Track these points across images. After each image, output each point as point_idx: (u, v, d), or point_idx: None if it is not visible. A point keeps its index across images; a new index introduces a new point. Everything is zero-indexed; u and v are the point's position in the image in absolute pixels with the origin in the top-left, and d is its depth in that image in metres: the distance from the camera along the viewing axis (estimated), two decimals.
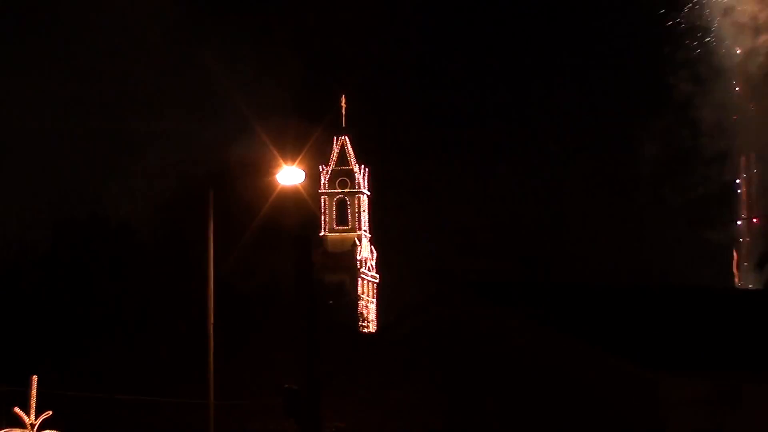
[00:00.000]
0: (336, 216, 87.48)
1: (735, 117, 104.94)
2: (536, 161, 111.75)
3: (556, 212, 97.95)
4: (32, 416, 32.61)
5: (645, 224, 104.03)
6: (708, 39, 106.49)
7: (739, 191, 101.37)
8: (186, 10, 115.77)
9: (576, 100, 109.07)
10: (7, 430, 33.80)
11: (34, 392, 32.56)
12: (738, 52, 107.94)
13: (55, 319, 56.07)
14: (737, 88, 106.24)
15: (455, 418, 48.70)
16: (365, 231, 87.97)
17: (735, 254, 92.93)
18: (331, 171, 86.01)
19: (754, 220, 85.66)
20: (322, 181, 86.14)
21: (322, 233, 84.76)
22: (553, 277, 62.45)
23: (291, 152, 47.25)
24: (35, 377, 32.79)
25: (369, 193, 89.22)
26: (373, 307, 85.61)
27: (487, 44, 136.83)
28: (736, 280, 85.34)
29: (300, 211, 52.46)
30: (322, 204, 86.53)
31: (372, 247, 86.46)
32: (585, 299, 56.75)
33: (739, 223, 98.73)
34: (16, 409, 33.72)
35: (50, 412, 33.06)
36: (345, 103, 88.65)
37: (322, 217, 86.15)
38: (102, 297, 61.76)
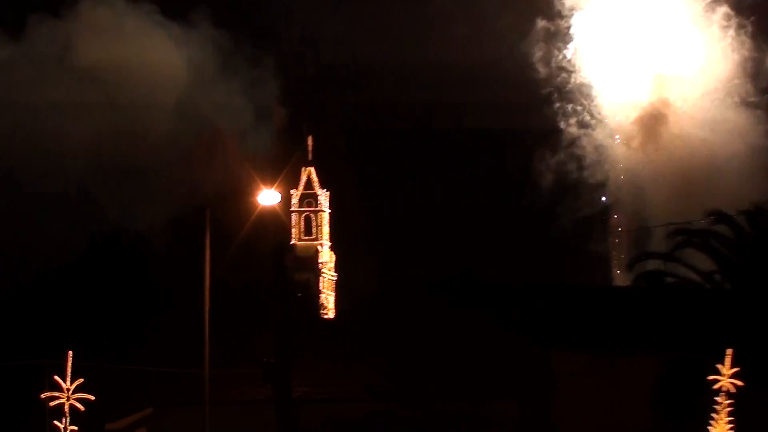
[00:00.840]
0: (303, 228, 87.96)
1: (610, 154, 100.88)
2: (467, 186, 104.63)
3: (483, 225, 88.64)
4: (68, 382, 29.69)
5: (547, 237, 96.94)
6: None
7: (615, 214, 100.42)
8: None
9: (492, 138, 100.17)
10: (48, 393, 30.35)
11: (69, 364, 29.92)
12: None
13: (91, 307, 54.75)
14: (617, 137, 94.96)
15: (401, 383, 46.47)
16: (326, 240, 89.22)
17: (611, 261, 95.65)
18: (300, 194, 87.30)
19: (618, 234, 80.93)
20: (293, 201, 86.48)
21: (292, 241, 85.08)
22: (478, 277, 64.15)
23: (270, 179, 48.32)
24: (71, 352, 30.02)
25: (329, 211, 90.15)
26: (332, 299, 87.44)
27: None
28: (614, 281, 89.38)
29: (276, 225, 48.76)
30: (293, 219, 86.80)
31: (331, 252, 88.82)
32: (501, 294, 57.11)
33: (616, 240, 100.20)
34: (55, 377, 30.30)
35: (82, 380, 29.75)
36: (312, 141, 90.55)
37: (293, 229, 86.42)
38: (129, 291, 59.90)
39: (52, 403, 30.04)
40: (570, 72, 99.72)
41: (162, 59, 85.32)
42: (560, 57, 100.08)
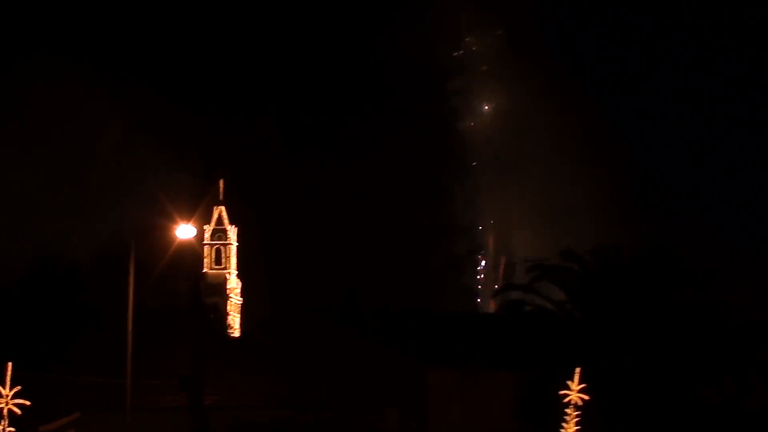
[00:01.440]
0: (214, 259, 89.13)
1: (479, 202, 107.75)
2: (358, 226, 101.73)
3: (371, 260, 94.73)
4: (7, 389, 26.18)
5: (429, 270, 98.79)
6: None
7: (482, 252, 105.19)
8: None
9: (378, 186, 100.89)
10: None
11: (9, 372, 26.03)
12: (474, 164, 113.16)
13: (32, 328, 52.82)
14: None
15: (296, 392, 47.38)
16: (233, 269, 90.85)
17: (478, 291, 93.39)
18: (212, 229, 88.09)
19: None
20: (206, 235, 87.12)
21: (204, 270, 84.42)
22: (365, 304, 61.85)
23: (186, 216, 44.10)
24: (10, 363, 25.95)
25: (237, 244, 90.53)
26: (237, 320, 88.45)
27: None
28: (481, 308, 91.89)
29: (191, 255, 49.28)
30: (205, 251, 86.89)
31: (238, 279, 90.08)
32: (385, 318, 56.46)
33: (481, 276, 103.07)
34: None
35: (19, 387, 26.07)
36: (222, 184, 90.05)
37: (205, 259, 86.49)
38: (65, 312, 57.75)
39: None
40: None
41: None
42: None
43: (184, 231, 41.87)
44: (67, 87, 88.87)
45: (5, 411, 27.26)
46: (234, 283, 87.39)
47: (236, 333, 78.83)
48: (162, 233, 46.33)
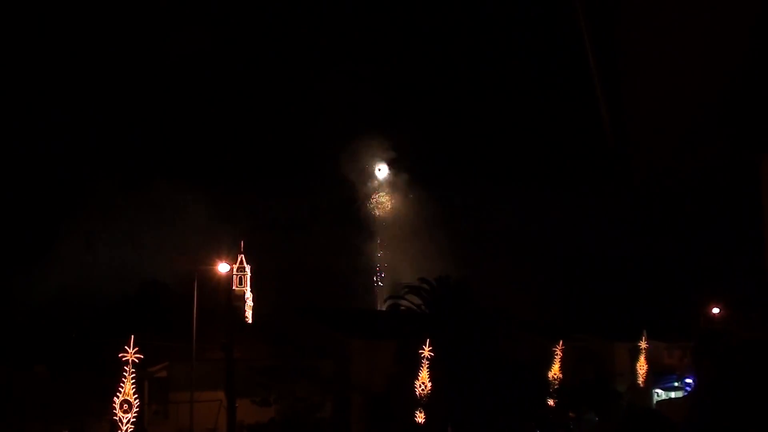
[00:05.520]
0: (237, 282, 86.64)
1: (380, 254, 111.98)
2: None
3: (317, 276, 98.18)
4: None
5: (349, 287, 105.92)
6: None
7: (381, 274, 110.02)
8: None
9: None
10: None
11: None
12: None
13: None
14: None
15: (280, 351, 49.79)
16: (248, 288, 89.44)
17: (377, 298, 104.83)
18: (237, 266, 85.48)
19: None
20: (235, 269, 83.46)
21: (233, 287, 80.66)
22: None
23: (223, 258, 49.13)
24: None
25: (250, 275, 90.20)
26: (250, 314, 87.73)
27: None
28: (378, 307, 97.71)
29: (226, 280, 52.01)
30: (233, 278, 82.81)
31: (251, 293, 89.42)
32: (329, 313, 60.98)
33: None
34: None
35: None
36: (243, 244, 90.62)
37: (233, 284, 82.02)
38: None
39: None
40: None
41: None
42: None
43: (223, 267, 48.73)
44: None
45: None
46: (248, 295, 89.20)
47: (249, 321, 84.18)
48: (211, 268, 49.39)
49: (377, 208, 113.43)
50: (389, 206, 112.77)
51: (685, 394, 61.09)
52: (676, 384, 65.34)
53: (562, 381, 55.41)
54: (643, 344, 63.25)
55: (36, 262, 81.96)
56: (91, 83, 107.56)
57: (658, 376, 65.18)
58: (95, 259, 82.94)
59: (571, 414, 55.31)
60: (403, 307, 55.96)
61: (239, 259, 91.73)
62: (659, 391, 64.92)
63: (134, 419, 32.30)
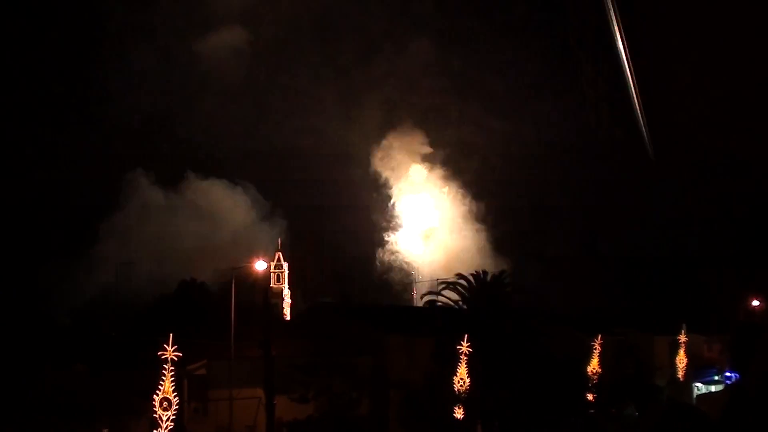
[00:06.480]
0: (275, 279, 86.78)
1: None
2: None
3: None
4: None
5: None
6: None
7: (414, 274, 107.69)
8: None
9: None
10: None
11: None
12: None
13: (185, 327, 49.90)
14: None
15: (318, 347, 49.67)
16: (286, 285, 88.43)
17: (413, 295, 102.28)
18: (274, 264, 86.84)
19: None
20: (272, 266, 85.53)
21: (270, 285, 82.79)
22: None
23: (260, 256, 52.63)
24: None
25: (288, 272, 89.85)
26: (288, 310, 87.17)
27: None
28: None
29: (264, 277, 55.60)
30: (271, 276, 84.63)
31: (289, 290, 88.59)
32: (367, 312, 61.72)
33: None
34: None
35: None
36: (280, 243, 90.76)
37: (271, 281, 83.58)
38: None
39: None
40: None
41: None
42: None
43: (260, 265, 50.77)
44: None
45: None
46: (286, 292, 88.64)
47: (287, 318, 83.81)
48: (249, 266, 51.67)
49: (412, 203, 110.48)
50: (424, 201, 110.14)
51: (726, 387, 61.08)
52: (716, 378, 65.08)
53: (601, 376, 54.87)
54: (682, 338, 62.71)
55: (77, 262, 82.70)
56: (130, 79, 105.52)
57: (698, 369, 64.82)
58: (134, 258, 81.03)
59: (611, 409, 54.37)
60: (440, 303, 55.40)
61: (276, 257, 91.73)
62: (699, 384, 64.41)
63: (174, 417, 32.35)
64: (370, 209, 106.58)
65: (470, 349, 45.16)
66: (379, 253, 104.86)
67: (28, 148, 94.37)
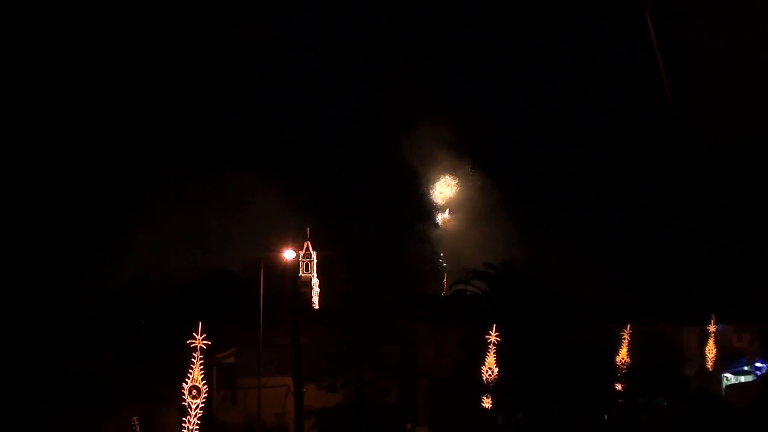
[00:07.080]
0: (304, 268, 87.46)
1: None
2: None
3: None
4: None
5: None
6: None
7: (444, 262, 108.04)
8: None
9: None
10: None
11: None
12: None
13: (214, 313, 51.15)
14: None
15: (346, 335, 48.76)
16: (315, 274, 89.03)
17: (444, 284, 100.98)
18: (303, 252, 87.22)
19: None
20: (301, 254, 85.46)
21: (299, 273, 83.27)
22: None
23: (289, 245, 49.15)
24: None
25: (316, 261, 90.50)
26: (316, 300, 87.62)
27: None
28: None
29: (293, 266, 53.46)
30: (300, 265, 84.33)
31: (318, 279, 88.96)
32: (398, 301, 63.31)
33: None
34: None
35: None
36: (309, 231, 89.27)
37: (299, 270, 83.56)
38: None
39: None
40: None
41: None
42: None
43: (289, 254, 49.38)
44: None
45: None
46: (315, 281, 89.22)
47: (316, 307, 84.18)
48: (277, 255, 49.92)
49: (441, 193, 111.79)
50: (453, 191, 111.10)
51: (755, 378, 60.03)
52: (745, 368, 64.24)
53: (630, 365, 54.54)
54: (711, 327, 62.38)
55: (107, 252, 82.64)
56: (161, 72, 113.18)
57: (728, 360, 64.10)
58: (164, 247, 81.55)
59: (640, 399, 53.45)
60: (469, 293, 54.78)
61: (305, 246, 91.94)
62: (728, 375, 63.49)
63: (203, 404, 32.10)
64: (401, 198, 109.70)
65: (499, 339, 44.43)
66: (409, 242, 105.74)
67: (65, 141, 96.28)
